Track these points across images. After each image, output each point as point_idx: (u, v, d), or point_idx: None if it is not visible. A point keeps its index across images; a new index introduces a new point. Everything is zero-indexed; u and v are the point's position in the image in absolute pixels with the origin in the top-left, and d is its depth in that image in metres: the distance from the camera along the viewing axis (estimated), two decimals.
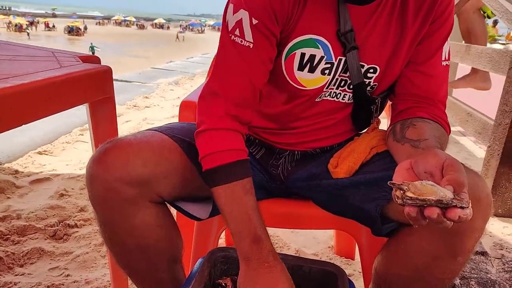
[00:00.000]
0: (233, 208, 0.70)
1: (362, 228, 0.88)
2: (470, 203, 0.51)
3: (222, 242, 1.46)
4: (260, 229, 0.70)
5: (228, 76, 0.74)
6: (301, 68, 0.76)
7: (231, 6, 0.73)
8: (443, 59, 0.79)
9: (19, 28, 44.31)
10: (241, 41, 0.72)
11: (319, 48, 0.74)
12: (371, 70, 0.78)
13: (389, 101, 0.88)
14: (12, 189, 1.91)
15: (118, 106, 3.42)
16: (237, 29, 0.72)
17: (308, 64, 0.75)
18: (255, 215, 0.70)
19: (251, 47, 0.72)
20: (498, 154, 1.49)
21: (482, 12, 2.49)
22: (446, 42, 0.79)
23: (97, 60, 1.03)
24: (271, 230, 1.56)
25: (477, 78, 2.49)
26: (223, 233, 1.39)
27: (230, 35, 0.73)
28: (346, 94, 0.81)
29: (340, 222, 0.87)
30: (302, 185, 0.88)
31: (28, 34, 35.95)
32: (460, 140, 2.65)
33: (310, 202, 0.89)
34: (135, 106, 3.79)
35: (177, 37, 44.31)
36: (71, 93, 0.82)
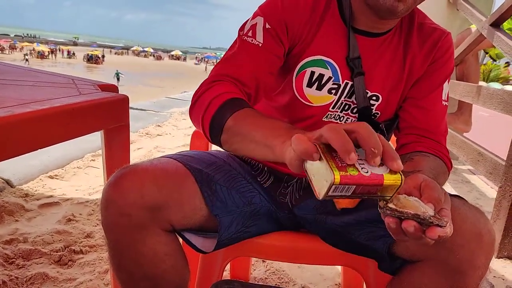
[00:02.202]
0: (249, 125, 0.66)
1: (369, 266, 0.87)
2: (449, 221, 0.52)
3: (226, 274, 1.44)
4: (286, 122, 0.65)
5: (233, 67, 0.78)
6: (309, 85, 0.83)
7: (251, 17, 0.82)
8: (443, 98, 0.86)
9: (41, 55, 46.01)
10: (252, 40, 0.79)
11: (328, 69, 0.82)
12: (374, 98, 0.84)
13: (394, 136, 0.93)
14: (21, 212, 1.92)
15: (131, 134, 3.49)
16: (250, 31, 0.80)
17: (317, 82, 0.82)
18: (278, 119, 0.67)
19: (260, 46, 0.79)
20: (510, 195, 1.46)
21: (485, 53, 2.58)
22: (446, 82, 0.86)
23: (115, 89, 1.07)
24: (276, 265, 1.54)
25: (460, 120, 2.61)
26: (228, 265, 1.37)
27: (243, 36, 0.80)
28: (349, 118, 0.86)
29: (347, 258, 0.86)
30: (309, 216, 0.88)
31: (27, 60, 36.27)
32: (471, 179, 2.62)
33: (317, 237, 0.89)
34: (147, 134, 3.84)
35: (206, 69, 46.74)
36: (88, 119, 0.84)
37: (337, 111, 0.85)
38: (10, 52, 49.23)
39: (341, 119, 0.86)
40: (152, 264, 0.72)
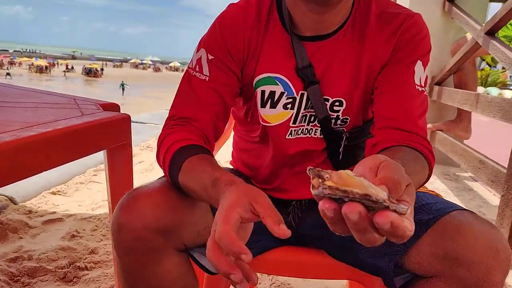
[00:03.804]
0: (195, 180, 0.65)
1: (376, 280, 0.86)
2: (409, 212, 0.39)
3: None
4: (214, 173, 0.62)
5: (187, 108, 0.77)
6: (263, 105, 0.81)
7: (196, 48, 0.81)
8: (416, 83, 0.75)
9: (40, 69, 46.29)
10: (199, 75, 0.78)
11: (278, 85, 0.79)
12: (337, 103, 0.80)
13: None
14: (25, 229, 1.92)
15: (132, 147, 3.48)
16: (197, 66, 0.79)
17: (269, 101, 0.80)
18: (208, 168, 0.64)
19: (207, 80, 0.77)
20: None
21: (481, 60, 2.61)
22: (419, 66, 0.76)
23: (116, 107, 1.08)
24: (282, 278, 1.54)
25: (459, 127, 2.63)
26: None
27: (192, 71, 0.79)
28: (318, 130, 0.83)
29: (353, 272, 0.86)
30: (314, 233, 0.88)
31: (8, 74, 35.95)
32: (473, 187, 2.62)
33: (321, 251, 0.89)
34: (148, 147, 3.85)
35: None
36: (91, 140, 0.85)
37: (303, 125, 0.82)
38: (8, 68, 49.55)
39: (310, 132, 0.83)
40: (166, 285, 0.72)
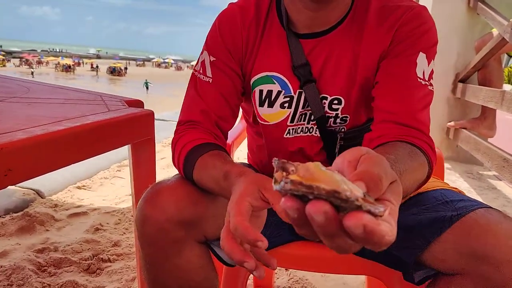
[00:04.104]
0: (208, 176, 0.68)
1: (394, 275, 0.86)
2: (388, 213, 0.33)
3: (250, 283, 1.46)
4: (224, 167, 0.64)
5: (194, 110, 0.80)
6: (261, 104, 0.81)
7: (201, 51, 0.83)
8: (419, 76, 0.72)
9: (66, 68, 47.49)
10: (203, 77, 0.80)
11: (275, 83, 0.79)
12: (336, 102, 0.79)
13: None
14: (51, 222, 1.99)
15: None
16: (201, 68, 0.81)
17: (267, 100, 0.80)
18: (219, 163, 0.66)
19: (210, 82, 0.79)
20: None
21: (508, 57, 2.54)
22: (422, 58, 0.72)
23: (140, 104, 1.11)
24: (300, 273, 1.55)
25: (483, 125, 2.58)
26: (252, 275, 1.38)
27: (197, 73, 0.82)
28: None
29: (371, 268, 0.86)
30: None
31: (32, 73, 38.10)
32: (497, 186, 2.56)
33: None
34: (170, 144, 3.91)
35: None
36: (117, 135, 0.88)
37: (303, 124, 0.82)
38: (37, 67, 51.07)
39: (310, 130, 0.83)
40: (188, 277, 0.74)
